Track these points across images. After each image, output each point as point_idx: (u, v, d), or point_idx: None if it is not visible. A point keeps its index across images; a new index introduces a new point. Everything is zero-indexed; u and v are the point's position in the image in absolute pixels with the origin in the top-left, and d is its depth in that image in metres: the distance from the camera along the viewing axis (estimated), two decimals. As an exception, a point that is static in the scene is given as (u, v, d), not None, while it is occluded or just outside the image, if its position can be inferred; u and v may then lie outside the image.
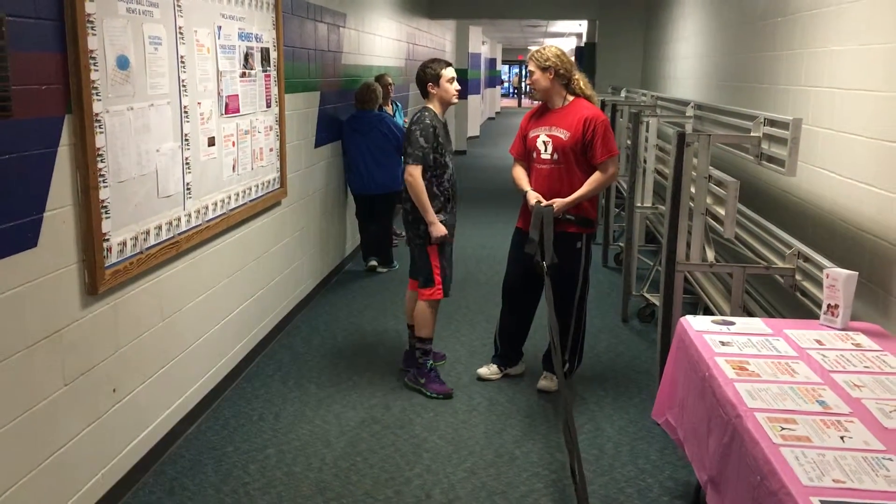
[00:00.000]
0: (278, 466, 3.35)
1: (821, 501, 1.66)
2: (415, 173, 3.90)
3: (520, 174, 4.05)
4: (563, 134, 3.86)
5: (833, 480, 1.73)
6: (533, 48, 4.06)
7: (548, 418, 3.84)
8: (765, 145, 3.35)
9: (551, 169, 3.90)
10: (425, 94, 4.11)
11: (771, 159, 3.30)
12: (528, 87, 4.06)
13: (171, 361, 3.47)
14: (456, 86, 4.09)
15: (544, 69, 3.88)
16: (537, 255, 3.78)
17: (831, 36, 3.83)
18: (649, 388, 4.09)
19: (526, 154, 4.03)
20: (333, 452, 3.48)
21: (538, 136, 3.93)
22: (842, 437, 1.93)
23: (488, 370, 4.32)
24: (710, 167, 3.59)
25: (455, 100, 4.12)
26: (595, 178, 3.86)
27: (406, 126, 4.05)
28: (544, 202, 3.83)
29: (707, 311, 4.33)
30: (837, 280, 2.72)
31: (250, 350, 4.44)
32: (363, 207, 6.52)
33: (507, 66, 38.58)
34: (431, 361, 4.19)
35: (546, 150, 3.90)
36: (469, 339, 4.94)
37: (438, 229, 3.95)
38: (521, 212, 4.08)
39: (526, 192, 3.95)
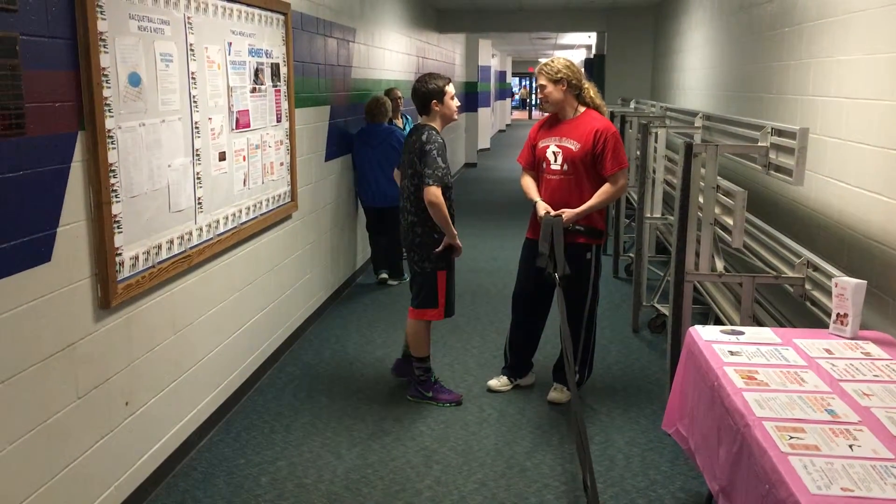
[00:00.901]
0: (289, 478, 3.36)
1: (829, 510, 1.66)
2: (438, 194, 3.77)
3: (528, 183, 4.06)
4: (573, 145, 3.87)
5: (841, 489, 1.73)
6: (543, 60, 4.06)
7: (558, 429, 3.84)
8: (772, 155, 3.36)
9: (561, 180, 3.91)
10: (426, 112, 3.97)
11: (779, 169, 3.31)
12: (539, 100, 4.04)
13: (184, 374, 3.50)
14: (457, 101, 4.04)
15: (556, 81, 3.89)
16: (549, 267, 3.78)
17: (838, 45, 3.84)
18: (660, 399, 4.08)
19: (535, 164, 4.04)
20: (344, 464, 3.49)
21: (548, 147, 3.94)
22: (850, 446, 1.93)
23: (498, 382, 4.32)
24: (719, 177, 3.60)
25: (456, 116, 4.09)
26: (605, 190, 3.86)
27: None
28: (553, 212, 3.85)
29: (717, 321, 4.33)
30: (846, 289, 2.71)
31: (262, 362, 4.46)
32: (373, 220, 6.55)
33: (517, 79, 38.64)
34: (434, 375, 4.20)
35: (556, 161, 3.91)
36: (479, 351, 4.94)
37: (459, 246, 3.97)
38: (530, 222, 4.09)
39: (535, 202, 3.96)
